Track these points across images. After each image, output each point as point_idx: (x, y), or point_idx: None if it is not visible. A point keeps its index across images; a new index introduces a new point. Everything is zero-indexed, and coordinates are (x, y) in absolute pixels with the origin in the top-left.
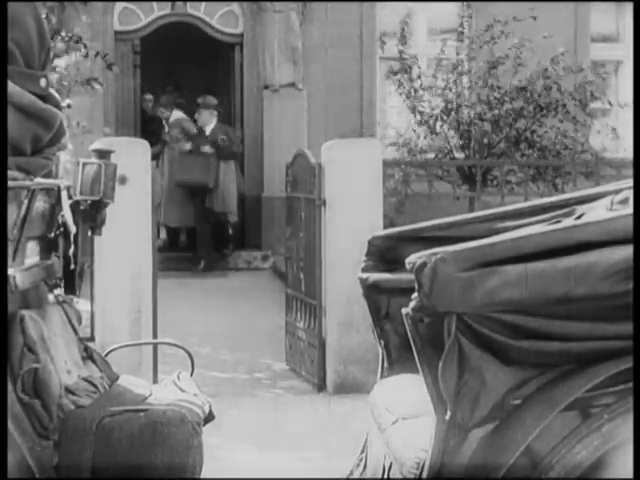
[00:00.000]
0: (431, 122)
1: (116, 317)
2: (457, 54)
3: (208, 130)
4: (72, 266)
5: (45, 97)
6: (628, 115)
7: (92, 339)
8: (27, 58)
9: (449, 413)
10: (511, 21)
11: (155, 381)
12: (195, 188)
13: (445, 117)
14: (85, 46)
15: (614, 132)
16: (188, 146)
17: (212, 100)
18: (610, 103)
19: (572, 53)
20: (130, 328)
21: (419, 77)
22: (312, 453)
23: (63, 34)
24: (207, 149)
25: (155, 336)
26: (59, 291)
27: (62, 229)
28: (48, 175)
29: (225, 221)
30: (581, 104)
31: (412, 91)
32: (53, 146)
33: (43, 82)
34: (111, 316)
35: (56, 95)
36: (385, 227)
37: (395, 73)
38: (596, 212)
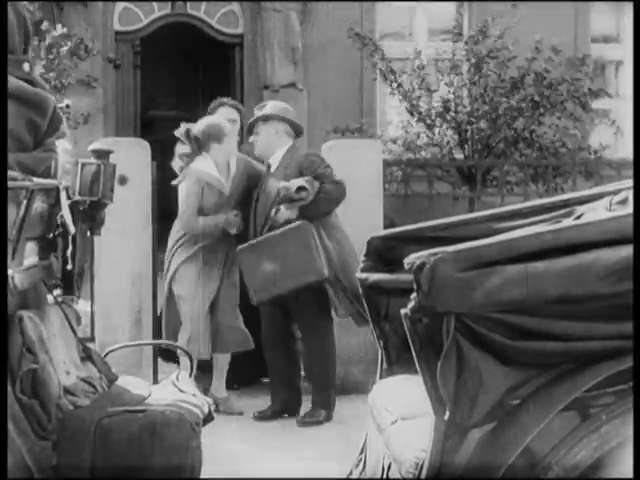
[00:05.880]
0: (429, 121)
1: (116, 317)
2: (453, 54)
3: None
4: (71, 266)
5: (31, 82)
6: (628, 114)
7: (92, 339)
8: (8, 44)
9: (448, 413)
10: (506, 16)
11: (155, 381)
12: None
13: (444, 116)
14: (86, 47)
15: (614, 125)
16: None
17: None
18: (609, 95)
19: (572, 53)
20: (130, 328)
21: (419, 76)
22: (311, 453)
23: (64, 31)
24: (290, 215)
25: (155, 337)
26: (58, 292)
27: (61, 229)
28: (48, 172)
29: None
30: (580, 101)
31: (410, 90)
32: (52, 135)
33: (26, 66)
34: (111, 316)
35: (41, 81)
36: (385, 227)
37: (393, 73)
38: (595, 212)
